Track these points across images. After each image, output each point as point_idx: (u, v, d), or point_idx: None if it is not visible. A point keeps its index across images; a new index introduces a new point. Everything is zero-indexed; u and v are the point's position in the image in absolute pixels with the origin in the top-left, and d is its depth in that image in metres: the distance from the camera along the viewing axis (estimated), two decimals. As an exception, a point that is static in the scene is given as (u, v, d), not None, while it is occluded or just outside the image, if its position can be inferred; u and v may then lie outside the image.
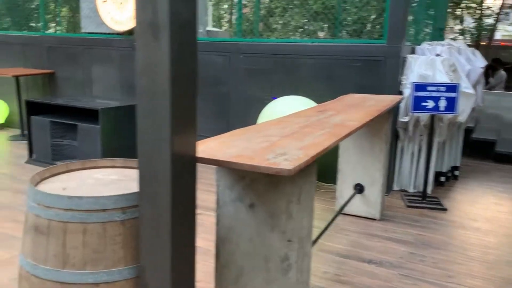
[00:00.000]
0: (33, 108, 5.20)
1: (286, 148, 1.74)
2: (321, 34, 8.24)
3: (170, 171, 1.41)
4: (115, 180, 1.84)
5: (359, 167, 3.71)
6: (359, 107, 3.08)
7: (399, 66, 4.18)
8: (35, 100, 5.17)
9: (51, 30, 9.00)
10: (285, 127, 2.20)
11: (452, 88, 3.93)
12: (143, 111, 1.42)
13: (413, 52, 4.56)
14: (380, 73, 4.28)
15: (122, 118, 4.90)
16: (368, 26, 7.96)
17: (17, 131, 6.74)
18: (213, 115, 5.25)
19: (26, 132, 6.47)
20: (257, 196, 1.77)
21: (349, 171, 3.77)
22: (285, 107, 4.20)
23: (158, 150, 1.41)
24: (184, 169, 1.48)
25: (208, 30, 6.15)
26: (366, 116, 2.67)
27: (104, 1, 5.64)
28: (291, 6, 8.17)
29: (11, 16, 8.40)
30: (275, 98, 4.95)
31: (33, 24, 9.14)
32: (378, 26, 8.05)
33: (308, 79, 4.61)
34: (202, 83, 5.28)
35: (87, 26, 6.09)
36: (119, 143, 4.89)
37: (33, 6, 8.96)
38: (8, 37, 6.86)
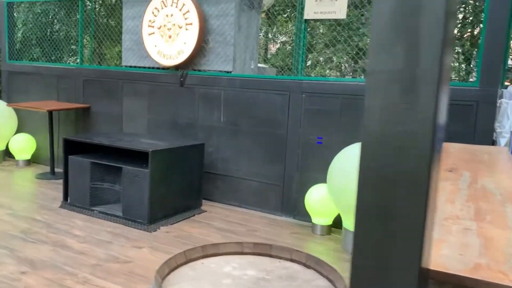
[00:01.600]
0: (69, 146, 4.74)
1: (517, 246, 1.22)
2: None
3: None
4: (257, 279, 1.32)
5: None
6: (485, 164, 2.58)
7: (495, 113, 3.70)
8: (75, 139, 4.71)
9: (70, 61, 8.69)
10: (448, 199, 1.69)
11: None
12: (367, 207, 0.92)
13: (501, 96, 4.09)
14: (469, 120, 3.80)
15: (172, 161, 4.43)
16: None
17: (45, 168, 6.27)
18: (267, 159, 4.77)
19: (57, 170, 6.02)
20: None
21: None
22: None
23: (394, 262, 0.90)
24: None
25: (259, 67, 5.75)
26: (516, 180, 2.16)
27: (151, 34, 5.27)
28: (333, 42, 7.81)
29: (40, 47, 8.11)
30: (320, 139, 4.49)
31: (62, 56, 8.86)
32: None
33: (383, 124, 4.13)
34: (255, 123, 4.82)
35: (128, 59, 5.72)
36: (168, 189, 4.40)
37: (61, 37, 8.70)
38: (41, 68, 6.50)
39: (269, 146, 4.76)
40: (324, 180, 4.33)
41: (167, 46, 5.17)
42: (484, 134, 3.75)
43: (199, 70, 5.19)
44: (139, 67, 5.62)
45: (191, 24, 4.97)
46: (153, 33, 5.26)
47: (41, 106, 5.68)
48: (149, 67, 5.53)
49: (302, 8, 4.49)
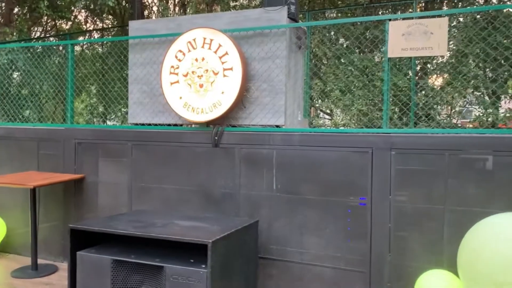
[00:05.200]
0: (76, 237, 3.42)
1: None
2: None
3: None
4: None
5: None
6: None
7: None
8: (88, 228, 3.37)
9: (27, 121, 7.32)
10: None
11: None
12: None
13: None
14: None
15: (230, 252, 3.22)
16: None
17: (21, 260, 4.77)
18: (342, 237, 3.67)
19: (40, 262, 4.58)
20: None
21: None
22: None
23: None
24: None
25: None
26: None
27: (174, 83, 4.15)
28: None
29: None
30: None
31: (26, 114, 7.45)
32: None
33: (510, 187, 3.21)
34: (324, 190, 3.75)
35: (138, 116, 4.53)
36: (228, 292, 3.16)
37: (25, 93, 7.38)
38: (15, 130, 5.12)
39: (345, 220, 3.67)
40: (432, 264, 3.29)
41: (197, 97, 4.06)
42: None
43: (239, 126, 4.10)
44: (154, 124, 4.45)
45: (230, 69, 3.93)
46: (177, 81, 4.15)
47: (21, 180, 4.29)
48: (168, 124, 4.37)
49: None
